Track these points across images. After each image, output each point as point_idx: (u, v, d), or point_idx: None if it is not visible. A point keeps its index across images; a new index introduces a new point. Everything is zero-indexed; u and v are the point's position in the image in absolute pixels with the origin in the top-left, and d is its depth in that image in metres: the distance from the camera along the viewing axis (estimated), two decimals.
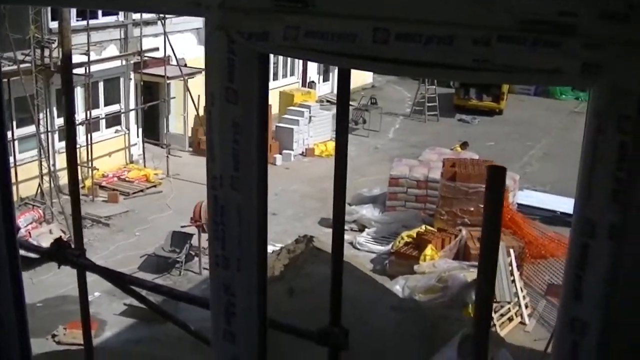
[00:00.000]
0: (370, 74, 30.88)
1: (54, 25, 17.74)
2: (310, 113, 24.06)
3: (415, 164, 19.16)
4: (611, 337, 1.53)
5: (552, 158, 23.74)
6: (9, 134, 14.16)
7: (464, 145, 22.09)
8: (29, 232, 15.18)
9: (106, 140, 20.38)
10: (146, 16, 20.54)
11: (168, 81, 21.41)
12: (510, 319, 13.50)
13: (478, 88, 29.71)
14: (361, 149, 23.66)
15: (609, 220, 1.47)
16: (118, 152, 20.88)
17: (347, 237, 15.63)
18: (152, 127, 22.37)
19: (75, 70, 16.56)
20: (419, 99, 29.25)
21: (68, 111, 4.69)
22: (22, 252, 2.61)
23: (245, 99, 1.81)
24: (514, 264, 14.08)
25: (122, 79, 21.02)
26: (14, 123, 17.03)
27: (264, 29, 1.71)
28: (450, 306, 12.90)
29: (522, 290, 13.96)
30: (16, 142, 17.26)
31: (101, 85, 20.35)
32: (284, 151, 22.99)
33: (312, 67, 30.00)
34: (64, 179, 17.52)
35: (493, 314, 12.22)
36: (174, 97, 22.49)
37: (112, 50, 20.34)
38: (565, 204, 17.02)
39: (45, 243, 11.54)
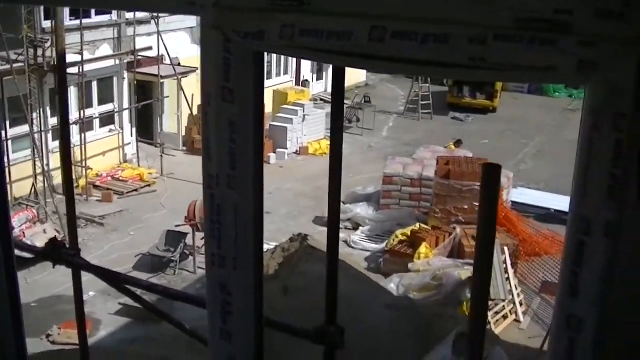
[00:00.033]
0: (364, 72, 30.81)
1: (47, 24, 17.68)
2: (304, 112, 24.05)
3: (409, 162, 19.16)
4: (607, 334, 1.54)
5: (545, 156, 23.78)
6: (2, 133, 14.09)
7: (458, 143, 22.09)
8: (23, 232, 15.12)
9: (100, 139, 20.32)
10: (140, 15, 20.46)
11: (162, 80, 21.33)
12: (505, 317, 13.51)
13: (472, 86, 29.66)
14: (355, 148, 23.64)
15: (605, 218, 1.47)
16: (112, 151, 20.81)
17: (342, 235, 15.61)
18: (146, 126, 22.31)
19: (68, 70, 16.49)
20: (412, 97, 29.24)
21: (62, 111, 4.64)
22: (16, 252, 2.61)
23: (241, 97, 1.81)
24: (509, 262, 14.10)
25: (115, 79, 20.96)
26: (8, 123, 16.97)
27: (259, 28, 1.71)
28: (444, 304, 12.91)
29: (516, 288, 13.98)
30: (10, 142, 17.19)
31: (95, 84, 20.29)
32: (278, 150, 22.98)
33: (306, 65, 29.94)
34: (57, 178, 17.47)
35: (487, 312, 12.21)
36: (168, 96, 22.44)
37: (106, 49, 20.27)
38: (559, 202, 17.06)
39: (40, 243, 11.49)
